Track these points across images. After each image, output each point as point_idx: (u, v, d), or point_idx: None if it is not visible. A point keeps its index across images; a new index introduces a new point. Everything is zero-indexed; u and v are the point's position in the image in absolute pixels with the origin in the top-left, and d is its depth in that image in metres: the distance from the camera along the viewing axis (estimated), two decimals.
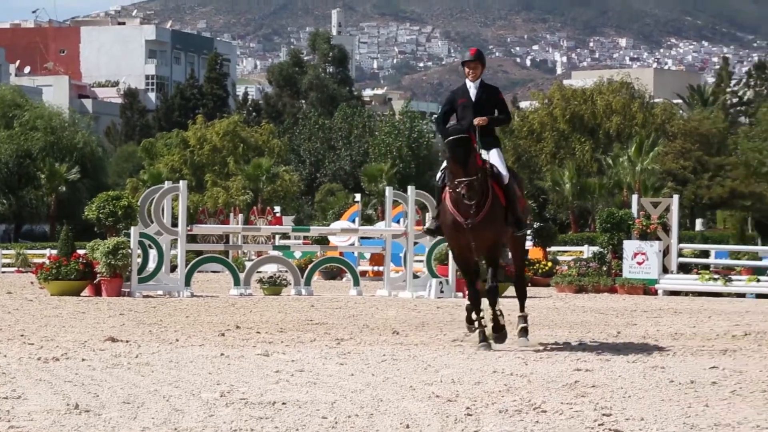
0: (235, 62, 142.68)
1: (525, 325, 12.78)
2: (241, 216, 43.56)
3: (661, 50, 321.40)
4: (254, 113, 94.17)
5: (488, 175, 12.23)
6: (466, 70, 12.90)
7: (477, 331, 12.23)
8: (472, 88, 12.80)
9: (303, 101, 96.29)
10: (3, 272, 41.42)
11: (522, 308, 12.96)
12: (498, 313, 12.37)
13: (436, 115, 13.24)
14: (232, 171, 69.46)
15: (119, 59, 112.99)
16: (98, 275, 22.19)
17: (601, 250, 27.68)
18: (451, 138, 11.90)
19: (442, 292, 22.94)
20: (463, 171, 11.82)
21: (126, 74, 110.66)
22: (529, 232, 31.71)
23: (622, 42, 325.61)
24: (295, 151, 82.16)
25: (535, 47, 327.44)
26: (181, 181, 24.03)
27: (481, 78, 12.87)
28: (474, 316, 12.39)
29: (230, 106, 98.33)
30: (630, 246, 26.23)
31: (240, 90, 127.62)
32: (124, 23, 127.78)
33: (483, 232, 12.09)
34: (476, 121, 12.48)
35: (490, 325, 12.30)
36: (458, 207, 11.97)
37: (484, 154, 12.44)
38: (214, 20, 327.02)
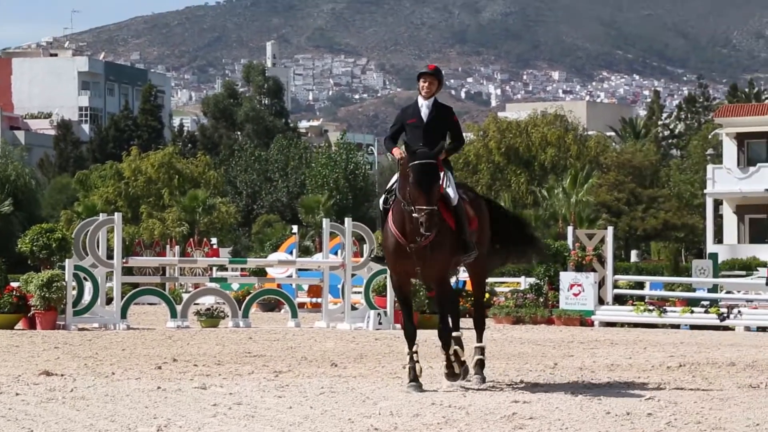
0: (170, 94, 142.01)
1: (481, 357, 12.03)
2: (177, 248, 43.29)
3: (593, 83, 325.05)
4: (190, 145, 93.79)
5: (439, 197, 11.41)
6: (421, 83, 11.98)
7: (408, 367, 11.35)
8: (423, 107, 11.88)
9: (239, 133, 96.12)
10: None
11: (480, 338, 12.21)
12: (452, 358, 11.50)
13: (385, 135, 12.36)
14: (167, 203, 69.09)
15: (52, 91, 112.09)
16: (32, 308, 21.92)
17: (538, 281, 27.85)
18: (417, 163, 11.19)
19: (380, 323, 22.95)
20: (425, 199, 11.07)
21: (59, 106, 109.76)
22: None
23: (555, 75, 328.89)
24: (231, 182, 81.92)
25: (470, 80, 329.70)
26: (116, 213, 23.84)
27: (435, 97, 11.96)
28: (407, 350, 11.51)
29: (165, 138, 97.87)
30: (566, 277, 26.42)
31: (175, 121, 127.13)
32: (56, 54, 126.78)
33: (429, 258, 11.25)
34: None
35: (444, 366, 11.58)
36: (402, 229, 11.22)
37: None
38: (147, 52, 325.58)
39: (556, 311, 26.32)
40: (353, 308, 23.95)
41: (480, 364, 11.97)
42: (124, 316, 22.58)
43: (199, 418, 8.89)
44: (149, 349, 16.64)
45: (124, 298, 22.93)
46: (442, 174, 11.45)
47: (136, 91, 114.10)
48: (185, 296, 27.41)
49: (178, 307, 23.61)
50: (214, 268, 41.21)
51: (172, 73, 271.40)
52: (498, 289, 35.21)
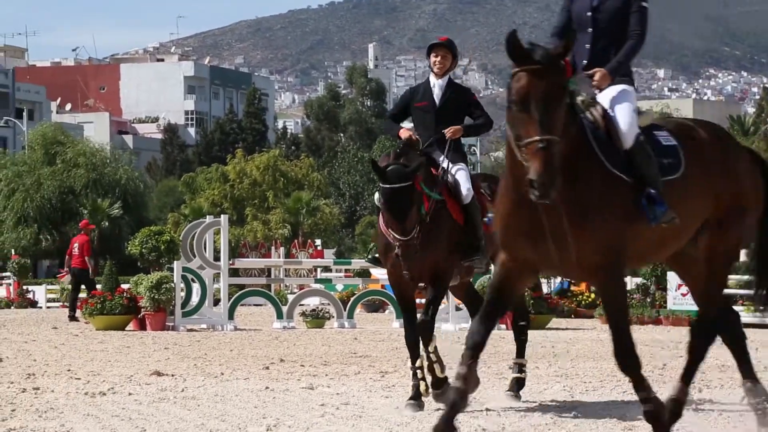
0: (273, 97, 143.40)
1: (520, 375, 10.47)
2: (282, 249, 43.64)
3: (700, 81, 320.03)
4: (293, 147, 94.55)
5: (442, 185, 9.84)
6: (432, 58, 10.27)
7: (412, 384, 9.88)
8: (436, 88, 10.13)
9: (341, 135, 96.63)
10: (48, 307, 41.68)
11: (521, 353, 10.81)
12: (432, 357, 9.91)
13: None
14: (272, 205, 69.71)
15: (159, 95, 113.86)
16: (142, 309, 22.30)
17: (645, 281, 27.50)
18: (388, 187, 9.39)
19: None
20: (400, 228, 9.43)
21: (165, 110, 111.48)
22: None
23: (661, 73, 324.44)
24: (334, 184, 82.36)
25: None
26: (222, 215, 24.15)
27: (449, 75, 10.24)
28: (410, 364, 10.05)
29: (269, 140, 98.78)
30: (674, 277, 26.04)
31: (279, 124, 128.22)
32: (162, 60, 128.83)
33: (420, 255, 9.59)
34: (448, 133, 9.95)
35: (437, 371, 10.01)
36: (392, 225, 9.62)
37: (443, 161, 10.03)
38: (251, 56, 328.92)
39: (664, 311, 25.96)
40: (457, 309, 23.91)
41: (518, 385, 10.35)
42: (231, 317, 22.84)
43: (307, 418, 8.95)
44: (257, 350, 16.81)
45: (231, 300, 23.20)
46: (445, 161, 9.83)
47: (240, 94, 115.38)
48: (291, 297, 27.65)
49: (284, 308, 23.82)
50: (319, 270, 41.47)
51: (276, 76, 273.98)
52: None
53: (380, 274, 34.08)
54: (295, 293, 30.64)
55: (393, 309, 25.55)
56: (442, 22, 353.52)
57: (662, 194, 7.18)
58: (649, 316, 26.12)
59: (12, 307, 40.40)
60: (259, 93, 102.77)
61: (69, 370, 13.28)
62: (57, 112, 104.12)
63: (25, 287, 43.52)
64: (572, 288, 30.97)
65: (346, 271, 41.55)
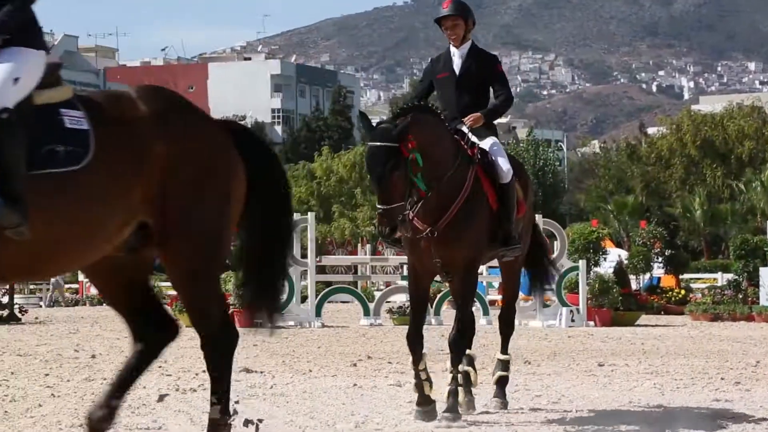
0: (359, 94, 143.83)
1: (505, 374, 9.56)
2: (368, 246, 43.75)
3: None
4: None
5: (474, 165, 8.80)
6: (444, 31, 9.40)
7: (414, 384, 8.91)
8: (456, 57, 9.31)
9: None
10: None
11: (504, 349, 9.77)
12: (458, 379, 8.77)
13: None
14: (359, 202, 69.94)
15: (246, 94, 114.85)
16: (231, 307, 22.46)
17: (736, 277, 27.10)
18: (371, 145, 8.40)
19: (572, 321, 22.71)
20: (382, 195, 8.27)
21: (252, 108, 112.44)
22: (659, 259, 31.22)
23: (751, 66, 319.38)
24: None
25: (661, 73, 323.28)
26: (309, 213, 24.27)
27: (471, 41, 9.37)
28: (411, 365, 9.04)
29: (355, 138, 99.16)
30: (767, 273, 25.61)
31: None
32: (249, 59, 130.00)
33: (447, 244, 8.60)
34: (468, 122, 9.06)
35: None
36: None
37: (474, 139, 9.09)
38: (337, 53, 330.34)
39: (757, 308, 25.55)
40: (545, 305, 23.76)
41: (502, 383, 9.51)
42: (318, 314, 22.95)
43: (395, 415, 8.95)
44: (344, 347, 16.87)
45: (318, 297, 23.31)
46: (411, 156, 8.37)
47: (326, 92, 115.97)
48: (377, 294, 27.71)
49: (371, 305, 23.88)
50: (405, 267, 41.48)
51: (361, 73, 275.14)
52: (694, 286, 34.44)
53: None
54: (381, 290, 30.69)
55: (480, 306, 25.47)
56: (527, 18, 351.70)
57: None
58: (741, 313, 25.72)
59: (104, 305, 41.00)
60: (344, 90, 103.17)
61: (160, 367, 13.43)
62: None
63: None
64: (662, 284, 30.64)
65: None
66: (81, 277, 47.14)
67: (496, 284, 34.55)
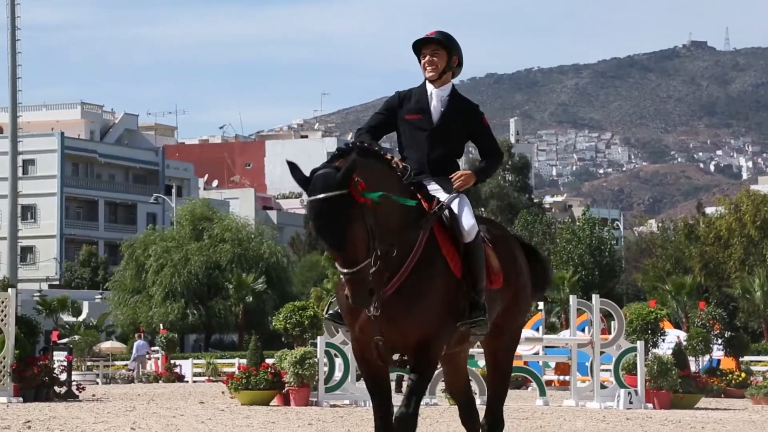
0: None
1: None
2: None
3: None
4: None
5: (432, 221, 7.45)
6: (421, 59, 7.82)
7: None
8: (434, 98, 7.75)
9: (483, 209, 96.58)
10: (194, 381, 42.35)
11: None
12: None
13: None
14: None
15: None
16: (286, 385, 22.48)
17: None
18: (313, 199, 7.00)
19: (631, 402, 22.43)
20: (343, 257, 6.93)
21: None
22: (719, 341, 30.79)
23: None
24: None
25: (719, 152, 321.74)
26: None
27: (452, 85, 7.86)
28: None
29: None
30: None
31: None
32: (306, 136, 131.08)
33: (393, 319, 7.21)
34: (456, 182, 7.71)
35: None
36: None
37: (435, 191, 7.74)
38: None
39: None
40: (602, 387, 23.51)
41: None
42: None
43: None
44: None
45: None
46: (371, 201, 7.01)
47: None
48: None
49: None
50: None
51: None
52: (755, 368, 33.97)
53: (523, 350, 33.82)
54: (437, 369, 30.54)
55: (536, 386, 25.27)
56: (583, 96, 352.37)
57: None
58: None
59: (160, 381, 41.15)
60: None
61: None
62: (204, 189, 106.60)
63: (172, 361, 44.34)
64: (721, 366, 30.25)
65: None
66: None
67: (552, 364, 34.29)
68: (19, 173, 43.95)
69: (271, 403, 22.41)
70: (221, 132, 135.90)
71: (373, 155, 7.33)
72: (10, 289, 22.71)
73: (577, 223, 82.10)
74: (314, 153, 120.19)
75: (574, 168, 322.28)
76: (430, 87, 7.84)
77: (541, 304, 40.99)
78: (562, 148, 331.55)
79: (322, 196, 6.94)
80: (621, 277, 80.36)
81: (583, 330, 27.78)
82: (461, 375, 8.69)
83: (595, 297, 24.24)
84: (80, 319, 65.48)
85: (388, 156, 7.51)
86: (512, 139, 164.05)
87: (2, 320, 22.06)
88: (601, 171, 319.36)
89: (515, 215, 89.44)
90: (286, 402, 22.39)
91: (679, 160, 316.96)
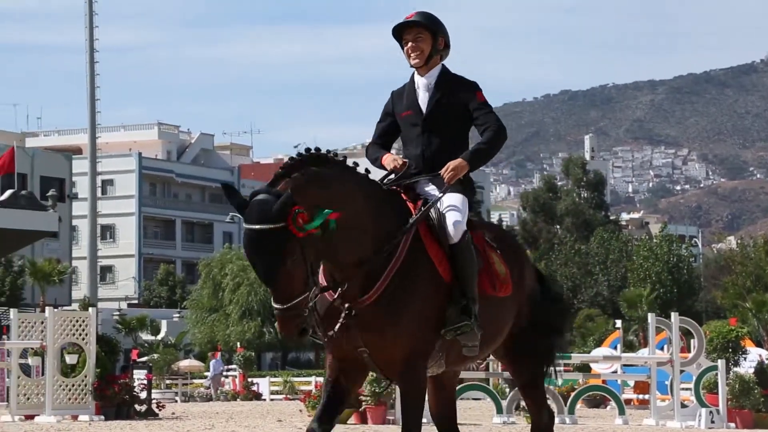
0: (489, 189, 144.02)
1: None
2: None
3: None
4: None
5: (413, 223, 6.83)
6: (404, 46, 7.10)
7: None
8: (421, 88, 7.10)
9: (558, 226, 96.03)
10: (272, 399, 42.52)
11: None
12: None
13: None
14: None
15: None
16: (363, 403, 22.49)
17: None
18: (245, 227, 6.41)
19: (712, 422, 22.12)
20: (276, 292, 6.40)
21: None
22: None
23: None
24: (551, 276, 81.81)
25: None
26: None
27: (442, 65, 7.08)
28: None
29: None
30: None
31: (494, 216, 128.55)
32: None
33: (376, 328, 6.68)
34: (446, 175, 7.04)
35: None
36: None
37: (427, 189, 7.17)
38: None
39: None
40: (683, 406, 23.21)
41: None
42: None
43: None
44: None
45: None
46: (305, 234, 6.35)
47: None
48: (510, 392, 27.40)
49: (503, 403, 23.61)
50: None
51: (491, 168, 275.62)
52: None
53: (602, 369, 33.51)
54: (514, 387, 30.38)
55: (615, 405, 25.02)
56: (659, 112, 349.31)
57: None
58: None
59: (238, 399, 41.39)
60: (474, 185, 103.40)
61: None
62: None
63: (250, 380, 44.58)
64: None
65: (566, 365, 40.99)
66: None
67: (631, 383, 33.90)
68: (98, 193, 44.63)
69: (348, 422, 22.42)
70: (296, 151, 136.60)
71: (325, 162, 6.83)
72: (90, 309, 22.99)
73: (655, 240, 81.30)
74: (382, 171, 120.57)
75: (651, 185, 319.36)
76: (417, 78, 7.15)
77: (618, 322, 40.64)
78: (638, 164, 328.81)
79: (256, 227, 6.34)
80: (700, 294, 79.40)
81: (662, 348, 27.46)
82: (450, 401, 8.02)
83: (674, 315, 23.95)
84: (159, 337, 66.13)
85: (350, 162, 6.94)
86: (587, 156, 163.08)
87: (83, 339, 22.34)
88: (678, 187, 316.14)
89: (591, 232, 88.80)
90: (363, 420, 22.38)
91: (758, 176, 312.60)
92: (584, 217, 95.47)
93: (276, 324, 6.63)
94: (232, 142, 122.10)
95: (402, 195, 7.07)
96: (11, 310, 25.66)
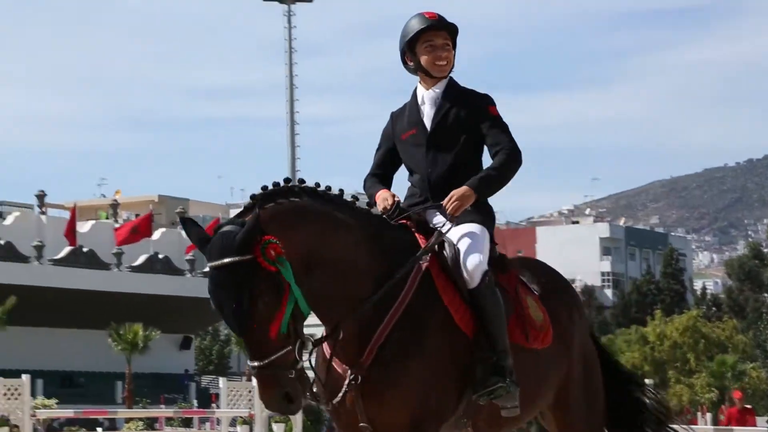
0: (691, 256, 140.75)
1: None
2: (709, 415, 41.88)
3: None
4: (714, 308, 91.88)
5: (418, 261, 5.65)
6: (425, 54, 5.92)
7: None
8: (426, 103, 5.92)
9: (766, 295, 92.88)
10: None
11: None
12: None
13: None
14: (694, 368, 67.57)
15: (574, 257, 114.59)
16: None
17: None
18: (209, 265, 5.10)
19: None
20: (249, 346, 5.17)
21: (582, 272, 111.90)
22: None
23: None
24: (761, 346, 78.94)
25: None
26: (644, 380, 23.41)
27: (449, 78, 5.96)
28: None
29: (688, 301, 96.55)
30: None
31: (697, 284, 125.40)
32: (577, 222, 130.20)
33: (377, 394, 5.41)
34: (449, 207, 5.76)
35: None
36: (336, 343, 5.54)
37: (436, 220, 5.92)
38: (666, 215, 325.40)
39: None
40: None
41: None
42: None
43: None
44: None
45: None
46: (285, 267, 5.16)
47: (656, 254, 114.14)
48: None
49: None
50: None
51: (692, 235, 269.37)
52: None
53: None
54: None
55: None
56: None
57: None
58: None
59: None
60: (676, 253, 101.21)
61: None
62: None
63: None
64: None
65: None
66: None
67: None
68: None
69: None
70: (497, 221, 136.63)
71: (304, 192, 5.51)
72: None
73: None
74: (586, 239, 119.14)
75: None
76: (421, 90, 5.98)
77: None
78: None
79: (217, 263, 5.07)
80: None
81: None
82: None
83: None
84: None
85: (326, 190, 5.69)
86: None
87: None
88: None
89: None
90: None
91: None
92: None
93: (257, 386, 5.38)
94: None
95: (411, 229, 5.87)
96: (220, 378, 25.95)
